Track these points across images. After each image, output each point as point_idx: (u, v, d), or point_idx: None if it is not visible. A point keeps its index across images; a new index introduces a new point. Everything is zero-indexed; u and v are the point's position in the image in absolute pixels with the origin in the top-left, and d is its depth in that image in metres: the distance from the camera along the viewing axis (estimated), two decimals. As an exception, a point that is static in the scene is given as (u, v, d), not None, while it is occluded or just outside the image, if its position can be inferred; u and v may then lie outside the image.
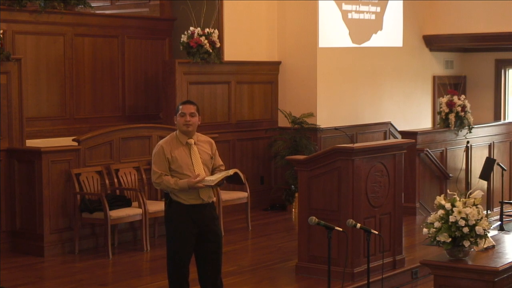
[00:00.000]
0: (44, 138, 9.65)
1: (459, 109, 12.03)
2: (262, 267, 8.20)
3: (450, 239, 5.85)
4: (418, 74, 13.77)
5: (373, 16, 12.57)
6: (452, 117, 12.02)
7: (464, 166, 12.39)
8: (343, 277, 6.97)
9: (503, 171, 11.88)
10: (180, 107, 6.29)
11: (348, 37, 12.11)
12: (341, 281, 6.88)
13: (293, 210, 11.22)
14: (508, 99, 14.60)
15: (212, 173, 6.38)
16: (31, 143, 9.16)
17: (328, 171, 7.64)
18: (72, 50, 10.31)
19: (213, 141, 6.52)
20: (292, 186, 11.28)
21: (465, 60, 14.74)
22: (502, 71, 14.59)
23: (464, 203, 5.91)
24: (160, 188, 6.35)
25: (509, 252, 6.19)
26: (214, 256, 6.33)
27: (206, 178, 6.16)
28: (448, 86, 13.42)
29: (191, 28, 10.64)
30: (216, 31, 10.77)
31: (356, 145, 7.80)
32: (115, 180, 9.20)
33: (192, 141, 6.30)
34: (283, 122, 11.78)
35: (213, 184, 6.16)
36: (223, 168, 6.49)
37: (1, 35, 8.72)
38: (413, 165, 11.23)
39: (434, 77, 14.14)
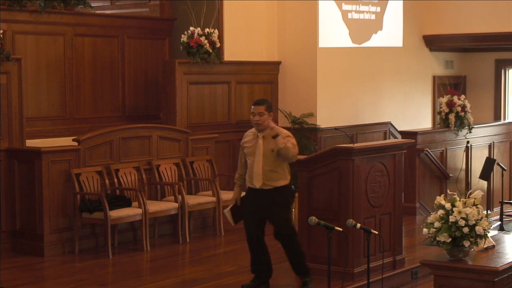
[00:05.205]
0: (44, 138, 9.64)
1: (459, 109, 12.03)
2: (262, 267, 8.19)
3: (450, 239, 5.85)
4: (418, 74, 13.76)
5: (373, 16, 12.56)
6: (452, 117, 12.02)
7: (464, 166, 12.39)
8: (343, 277, 6.98)
9: (503, 171, 11.88)
10: (252, 107, 7.23)
11: (348, 37, 12.10)
12: (341, 281, 6.88)
13: (293, 210, 11.19)
14: (508, 99, 14.59)
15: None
16: (31, 143, 9.15)
17: (328, 171, 7.63)
18: (72, 50, 10.30)
19: (284, 135, 7.18)
20: (292, 186, 11.23)
21: (465, 60, 14.73)
22: (502, 71, 14.58)
23: (464, 203, 5.91)
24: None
25: (509, 252, 6.19)
26: None
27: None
28: (448, 86, 13.41)
29: (191, 28, 10.63)
30: (216, 31, 10.76)
31: (356, 145, 7.80)
32: (115, 180, 9.19)
33: (261, 135, 7.20)
34: (283, 122, 11.75)
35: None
36: (282, 146, 7.13)
37: (1, 35, 8.72)
38: (413, 165, 11.23)
39: (434, 77, 14.13)
